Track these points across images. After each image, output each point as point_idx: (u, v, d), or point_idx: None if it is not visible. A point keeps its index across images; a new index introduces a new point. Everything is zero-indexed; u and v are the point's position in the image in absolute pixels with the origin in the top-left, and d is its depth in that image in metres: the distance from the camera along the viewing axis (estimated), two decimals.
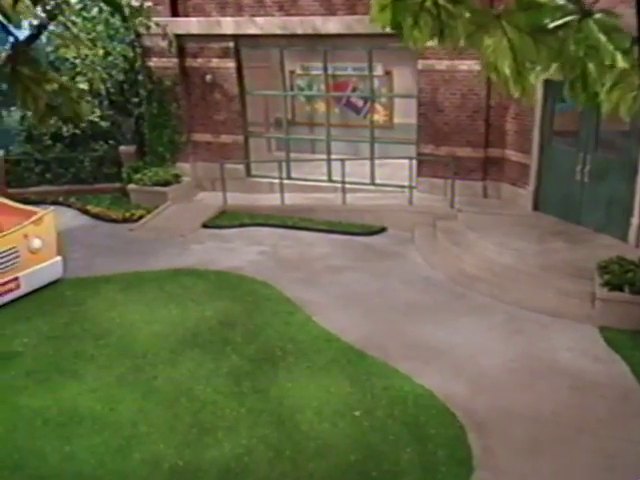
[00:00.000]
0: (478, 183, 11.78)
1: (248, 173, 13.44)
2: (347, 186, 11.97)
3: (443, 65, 11.31)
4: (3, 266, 8.41)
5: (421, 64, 11.50)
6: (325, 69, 12.70)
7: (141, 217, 12.01)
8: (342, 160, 11.90)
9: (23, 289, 8.66)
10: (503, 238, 9.73)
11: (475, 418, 6.05)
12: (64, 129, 14.53)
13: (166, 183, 12.88)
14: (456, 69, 11.26)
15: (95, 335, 7.68)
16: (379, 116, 14.41)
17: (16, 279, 8.54)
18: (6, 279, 8.42)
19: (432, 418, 6.03)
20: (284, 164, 12.91)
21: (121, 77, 13.70)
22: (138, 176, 13.05)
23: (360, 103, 14.69)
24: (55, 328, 7.87)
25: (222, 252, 10.38)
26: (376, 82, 13.55)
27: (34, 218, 8.88)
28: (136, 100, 13.76)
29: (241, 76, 12.93)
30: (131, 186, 13.08)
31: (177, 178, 13.14)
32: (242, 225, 11.54)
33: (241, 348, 7.26)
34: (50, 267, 9.04)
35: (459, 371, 6.83)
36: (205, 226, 11.58)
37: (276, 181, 12.50)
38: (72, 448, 5.67)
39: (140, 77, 13.34)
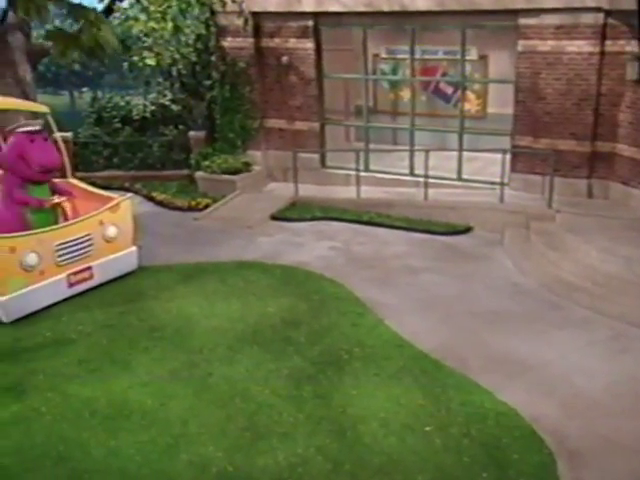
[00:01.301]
0: (582, 181, 11.12)
1: (323, 163, 13.37)
2: (430, 181, 11.67)
3: (547, 46, 10.75)
4: (76, 254, 8.46)
5: (522, 45, 10.99)
6: (412, 52, 12.41)
7: (207, 206, 12.19)
8: (426, 151, 11.55)
9: (96, 279, 8.73)
10: (609, 243, 9.11)
11: (567, 445, 5.63)
12: (134, 112, 15.02)
13: (235, 171, 13.01)
14: (562, 50, 10.67)
15: (151, 326, 7.77)
16: (470, 105, 13.94)
17: (89, 268, 8.62)
18: (79, 268, 8.50)
19: (515, 441, 5.66)
20: (362, 155, 12.75)
21: (194, 58, 13.93)
22: (207, 163, 13.24)
23: (449, 90, 14.28)
24: (111, 317, 8.03)
25: (290, 246, 10.36)
26: (469, 68, 13.11)
27: (110, 204, 8.91)
28: (208, 83, 13.96)
29: (320, 58, 12.87)
30: (199, 173, 13.29)
31: (247, 166, 13.25)
32: (313, 218, 11.53)
33: (304, 349, 7.16)
34: (125, 257, 9.07)
35: (550, 390, 6.40)
36: (274, 218, 11.63)
37: (352, 173, 12.37)
38: (118, 443, 5.71)
39: (213, 58, 13.50)
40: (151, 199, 12.88)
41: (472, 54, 13.18)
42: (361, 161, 12.57)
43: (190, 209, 12.14)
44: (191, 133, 14.35)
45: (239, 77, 13.31)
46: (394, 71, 14.43)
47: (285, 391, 6.39)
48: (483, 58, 13.52)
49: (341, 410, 6.10)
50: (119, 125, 15.01)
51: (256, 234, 10.93)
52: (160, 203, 12.67)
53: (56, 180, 9.07)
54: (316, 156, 13.20)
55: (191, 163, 13.82)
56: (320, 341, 7.32)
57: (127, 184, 13.77)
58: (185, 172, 14.09)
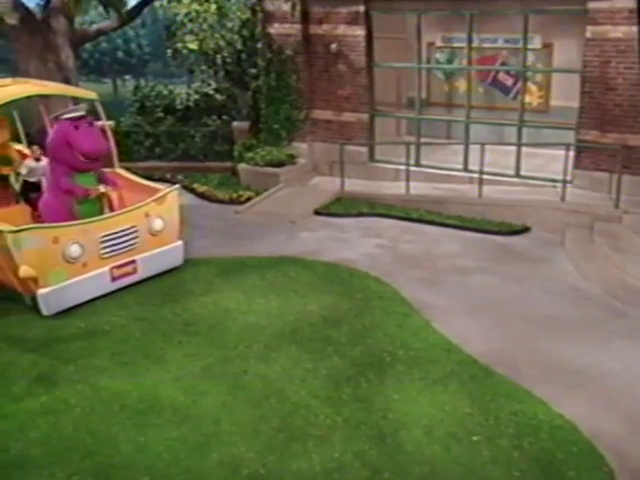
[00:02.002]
0: None
1: (371, 157, 13.26)
2: (485, 177, 11.46)
3: (619, 32, 10.37)
4: (121, 246, 8.46)
5: (590, 31, 10.62)
6: (470, 40, 12.18)
7: (249, 199, 12.25)
8: (482, 145, 11.30)
9: (140, 274, 8.69)
10: None
11: (630, 464, 5.38)
12: (177, 101, 15.21)
13: (279, 164, 13.04)
14: (636, 36, 10.26)
15: (185, 320, 7.81)
16: (532, 97, 13.60)
17: (133, 262, 8.59)
18: (123, 261, 8.49)
19: (572, 457, 5.43)
20: (413, 149, 12.60)
21: (239, 45, 14.01)
22: (250, 155, 13.30)
23: (509, 81, 13.95)
24: (145, 310, 8.10)
25: (334, 242, 10.32)
26: (531, 57, 12.79)
27: (157, 196, 8.87)
28: (253, 71, 14.01)
29: (370, 46, 12.76)
30: (242, 165, 13.35)
31: (292, 159, 13.26)
32: (359, 214, 11.47)
33: (345, 349, 7.09)
34: (170, 252, 9.03)
35: (612, 403, 6.14)
36: (318, 213, 11.62)
37: (402, 167, 12.21)
38: (147, 439, 5.73)
39: (259, 45, 13.53)
40: (192, 191, 12.99)
41: (535, 42, 12.85)
42: (412, 155, 12.40)
43: (231, 202, 12.24)
44: (234, 124, 14.43)
45: (285, 65, 13.31)
46: (449, 61, 14.20)
47: (323, 392, 6.32)
48: (547, 47, 13.16)
49: (382, 415, 6.00)
50: (162, 114, 15.24)
51: (298, 229, 10.92)
52: (201, 195, 12.77)
53: (103, 170, 9.12)
54: (364, 149, 13.10)
55: (234, 155, 13.89)
56: (362, 342, 7.24)
57: (168, 175, 13.95)
58: (228, 164, 14.19)
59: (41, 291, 7.89)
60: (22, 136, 10.83)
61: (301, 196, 12.32)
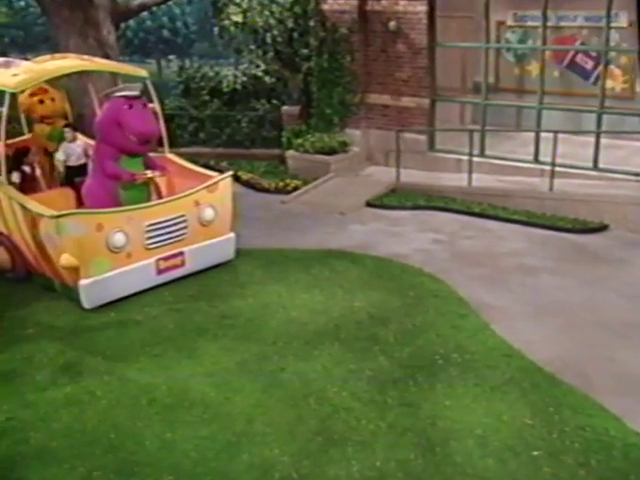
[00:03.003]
0: None
1: (431, 146, 13.12)
2: (558, 169, 11.19)
3: None
4: (168, 236, 8.34)
5: None
6: (545, 18, 11.87)
7: (296, 188, 12.25)
8: (555, 132, 10.99)
9: (187, 267, 8.57)
10: None
11: None
12: (224, 84, 15.31)
13: (330, 151, 13.01)
14: None
15: (222, 313, 7.83)
16: (615, 82, 13.16)
17: (181, 254, 8.49)
18: (170, 253, 8.38)
19: None
20: (477, 138, 12.40)
21: (290, 23, 14.01)
22: (299, 141, 13.30)
23: (589, 64, 13.51)
24: (180, 300, 8.16)
25: (386, 236, 10.26)
26: (615, 37, 12.37)
27: (208, 183, 8.73)
28: (305, 52, 13.98)
29: (433, 24, 12.61)
30: (290, 152, 13.37)
31: (344, 146, 13.21)
32: (415, 207, 11.40)
33: (392, 350, 7.00)
34: (221, 245, 8.91)
35: None
36: (370, 205, 11.57)
37: (465, 158, 12.03)
38: (174, 436, 5.72)
39: (311, 23, 13.50)
40: (236, 179, 12.99)
41: (620, 20, 12.39)
42: (476, 144, 12.19)
43: (277, 191, 12.28)
44: (284, 108, 14.46)
45: (339, 45, 13.26)
46: (522, 41, 13.87)
47: (366, 395, 6.23)
48: (633, 25, 12.68)
49: (430, 422, 5.86)
50: (207, 97, 15.39)
51: (348, 221, 10.89)
52: (246, 183, 12.84)
53: (151, 154, 9.05)
54: (423, 137, 12.97)
55: (282, 141, 13.91)
56: (412, 342, 7.14)
57: (212, 162, 14.04)
58: (275, 151, 14.25)
59: (83, 282, 7.82)
60: (69, 116, 10.73)
61: (352, 186, 12.27)
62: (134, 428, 5.84)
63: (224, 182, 8.93)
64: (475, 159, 11.94)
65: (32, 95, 9.97)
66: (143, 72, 9.67)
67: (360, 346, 7.07)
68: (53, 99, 10.11)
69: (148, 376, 6.59)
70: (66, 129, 9.75)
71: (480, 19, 12.65)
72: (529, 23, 13.44)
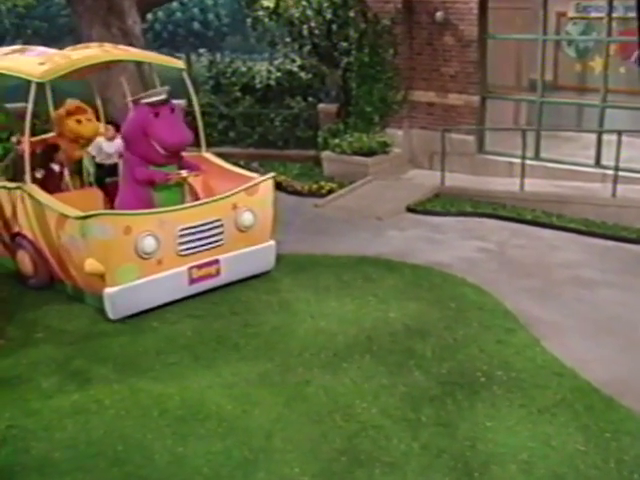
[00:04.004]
0: None
1: (480, 148, 13.02)
2: (622, 174, 11.00)
3: None
4: (202, 242, 8.20)
5: None
6: (611, 8, 11.65)
7: (331, 191, 12.24)
8: (619, 134, 10.78)
9: (223, 277, 8.43)
10: None
11: None
12: (256, 80, 15.37)
13: (369, 152, 12.97)
14: None
15: (245, 320, 7.81)
16: None
17: (216, 262, 8.33)
18: (204, 260, 8.23)
19: None
20: (532, 139, 12.26)
21: (329, 14, 14.01)
22: (336, 141, 13.30)
23: None
24: (200, 306, 8.15)
25: (427, 243, 10.22)
26: None
27: (248, 185, 8.60)
28: (345, 45, 13.96)
29: (484, 15, 12.49)
30: (326, 153, 13.37)
31: (384, 147, 13.16)
32: (461, 213, 11.36)
33: (429, 365, 6.89)
34: (260, 253, 8.77)
35: None
36: (411, 210, 11.54)
37: (517, 161, 11.91)
38: (186, 450, 5.66)
39: (352, 14, 13.48)
40: None
41: None
42: (530, 147, 12.05)
43: (311, 194, 12.29)
44: (320, 106, 14.46)
45: (381, 38, 13.23)
46: (584, 35, 13.64)
47: (398, 412, 6.12)
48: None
49: (469, 444, 5.71)
50: (239, 94, 15.46)
51: (386, 227, 10.86)
52: (277, 185, 12.67)
53: (185, 154, 8.91)
54: (472, 138, 12.86)
55: (318, 141, 13.90)
56: (451, 357, 7.03)
57: (242, 162, 14.06)
58: (310, 152, 14.24)
59: (108, 290, 7.68)
60: (100, 113, 10.82)
61: (392, 190, 12.22)
62: (143, 440, 5.79)
63: (265, 184, 8.80)
64: (529, 162, 11.81)
65: (69, 114, 9.91)
66: (180, 63, 9.62)
67: (394, 360, 6.98)
68: (90, 120, 10.04)
69: (161, 386, 6.56)
70: (108, 126, 9.81)
71: (538, 10, 12.46)
72: (593, 14, 13.22)
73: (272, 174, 9.09)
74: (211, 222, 8.25)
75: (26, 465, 5.51)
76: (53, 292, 8.54)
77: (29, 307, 8.24)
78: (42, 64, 8.38)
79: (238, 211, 8.47)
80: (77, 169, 9.97)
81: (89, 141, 9.95)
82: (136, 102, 8.54)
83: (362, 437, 5.79)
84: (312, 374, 6.72)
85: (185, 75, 9.38)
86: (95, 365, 6.94)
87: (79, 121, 9.90)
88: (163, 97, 8.29)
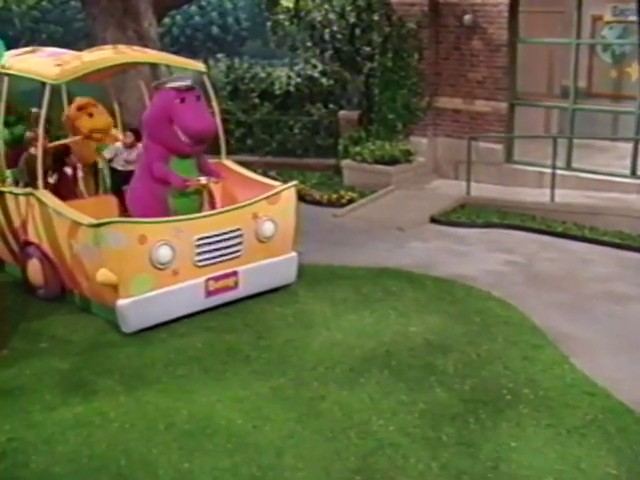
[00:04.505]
0: None
1: (508, 157, 12.98)
2: None
3: None
4: (220, 253, 8.09)
5: None
6: None
7: (351, 201, 12.25)
8: None
9: (241, 289, 8.34)
10: None
11: None
12: (276, 86, 15.41)
13: (392, 161, 12.95)
14: None
15: (258, 333, 7.78)
16: None
17: (234, 274, 8.24)
18: (222, 272, 8.13)
19: None
20: (563, 148, 12.18)
21: (352, 18, 14.02)
22: (357, 149, 13.29)
23: None
24: (211, 317, 8.12)
25: (450, 255, 10.23)
26: None
27: (269, 193, 8.52)
28: (368, 50, 13.96)
29: (515, 18, 12.47)
30: (346, 162, 13.38)
31: (408, 156, 13.14)
32: (487, 225, 11.36)
33: (451, 381, 6.82)
34: (281, 265, 8.67)
35: None
36: (434, 221, 11.55)
37: (548, 171, 11.85)
38: (192, 466, 5.60)
39: (376, 17, 13.48)
40: None
41: None
42: (561, 156, 11.97)
43: (330, 204, 12.31)
44: (341, 113, 14.48)
45: (406, 42, 13.24)
46: (621, 39, 13.50)
47: (417, 430, 6.04)
48: None
49: (492, 465, 5.61)
50: (257, 100, 15.53)
51: (407, 238, 10.87)
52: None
53: (206, 159, 8.83)
54: (499, 146, 12.82)
55: (338, 150, 13.90)
56: (475, 374, 6.96)
57: (259, 171, 14.08)
58: (331, 161, 14.26)
59: (121, 302, 7.59)
60: (117, 117, 10.81)
61: (415, 200, 12.21)
62: (148, 455, 5.76)
63: (287, 193, 8.71)
64: (560, 172, 11.73)
65: (80, 109, 9.98)
66: (201, 66, 9.58)
67: (414, 375, 6.92)
68: (102, 113, 10.11)
69: (169, 399, 6.53)
70: (128, 132, 9.78)
71: (572, 14, 12.37)
72: (631, 18, 13.09)
73: (295, 182, 9.03)
74: (230, 232, 8.14)
75: (25, 479, 5.47)
76: (59, 302, 8.54)
77: (34, 316, 8.26)
78: (57, 65, 8.36)
79: (259, 221, 8.37)
80: (92, 171, 10.00)
81: (103, 137, 9.97)
82: (159, 87, 8.42)
83: (378, 456, 5.72)
84: (327, 389, 6.67)
85: (206, 78, 9.32)
86: (101, 377, 6.93)
87: (91, 114, 9.96)
88: (189, 83, 8.21)
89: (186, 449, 5.81)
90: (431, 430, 6.05)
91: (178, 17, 22.83)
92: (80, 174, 9.66)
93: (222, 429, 6.07)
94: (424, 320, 8.05)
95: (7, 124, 9.55)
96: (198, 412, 6.31)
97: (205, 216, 8.17)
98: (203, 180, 8.43)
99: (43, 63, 8.68)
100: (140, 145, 9.47)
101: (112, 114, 10.60)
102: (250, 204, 8.34)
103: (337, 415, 6.26)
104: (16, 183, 9.15)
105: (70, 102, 10.51)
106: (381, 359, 7.22)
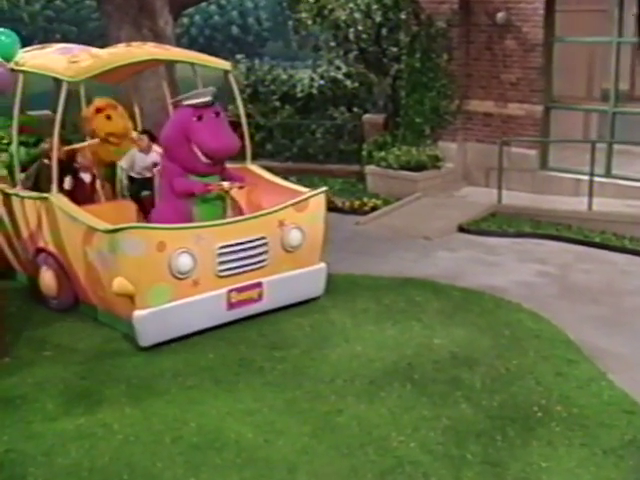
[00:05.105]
0: None
1: (543, 163, 12.91)
2: None
3: None
4: (244, 263, 8.00)
5: None
6: None
7: (374, 208, 12.27)
8: None
9: (265, 302, 8.24)
10: None
11: None
12: (297, 88, 15.46)
13: (418, 167, 12.94)
14: None
15: (273, 343, 7.77)
16: None
17: (258, 285, 8.16)
18: (246, 283, 8.06)
19: None
20: (602, 154, 12.09)
21: (379, 17, 14.03)
22: (381, 154, 13.27)
23: None
24: (223, 326, 8.08)
25: (479, 265, 10.23)
26: None
27: (297, 199, 8.45)
28: (394, 50, 13.96)
29: (551, 16, 12.39)
30: (370, 167, 13.40)
31: (435, 162, 13.13)
32: (519, 234, 11.38)
33: (478, 397, 6.74)
34: (309, 277, 8.59)
35: None
36: (463, 230, 11.54)
37: (585, 178, 11.76)
38: None
39: (403, 16, 13.48)
40: None
41: None
42: (601, 163, 11.90)
43: (352, 211, 12.35)
44: (366, 116, 14.49)
45: (435, 41, 13.23)
46: None
47: (440, 447, 5.96)
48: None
49: None
50: (277, 103, 15.58)
51: (434, 247, 10.89)
52: None
53: (228, 165, 8.76)
54: (534, 152, 12.76)
55: (362, 155, 13.90)
56: (503, 389, 6.87)
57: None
58: (354, 167, 14.26)
59: (138, 313, 7.48)
60: (138, 121, 10.75)
61: (443, 208, 12.21)
62: (152, 469, 5.71)
63: (316, 199, 8.62)
64: (598, 179, 11.64)
65: (98, 111, 9.94)
66: (226, 64, 9.44)
67: (438, 390, 6.85)
68: (122, 116, 10.08)
69: (176, 410, 6.51)
70: (142, 136, 9.70)
71: (613, 12, 12.28)
72: None
73: (324, 188, 8.95)
74: (254, 240, 8.02)
75: None
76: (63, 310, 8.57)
77: (39, 324, 8.29)
78: (74, 62, 8.31)
79: (285, 228, 8.26)
80: (109, 174, 9.93)
81: (121, 140, 9.95)
82: (177, 104, 8.46)
83: (397, 474, 5.64)
84: (345, 402, 6.62)
85: (231, 78, 9.27)
86: (106, 387, 6.92)
87: (109, 117, 9.90)
88: (207, 99, 8.15)
89: (192, 463, 5.77)
90: (455, 448, 5.96)
91: (197, 17, 22.97)
92: (98, 182, 9.62)
93: (232, 443, 6.02)
94: (450, 332, 7.99)
95: (26, 144, 9.60)
96: (207, 425, 6.28)
97: (228, 223, 8.06)
98: (226, 185, 8.35)
99: (59, 60, 8.57)
100: (155, 147, 9.52)
101: (132, 117, 10.58)
102: (276, 211, 8.24)
103: (354, 430, 6.20)
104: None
105: (89, 103, 10.47)
106: (403, 372, 7.16)
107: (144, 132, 9.82)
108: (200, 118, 8.02)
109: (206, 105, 8.10)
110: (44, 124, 10.34)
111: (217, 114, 8.19)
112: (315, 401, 6.65)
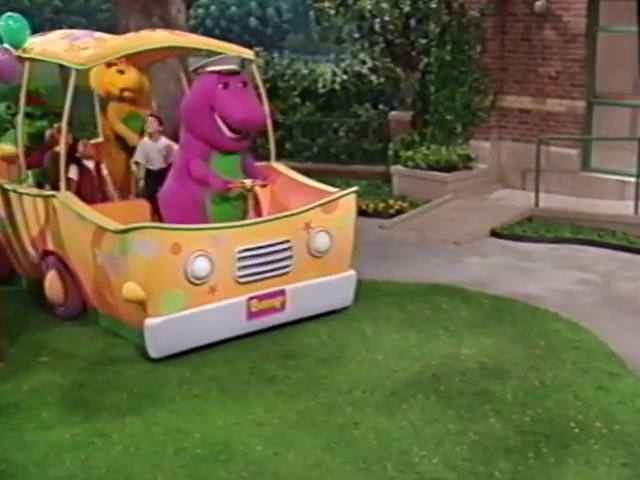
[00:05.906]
0: None
1: (585, 164, 12.91)
2: None
3: None
4: (266, 268, 7.90)
5: None
6: None
7: (400, 211, 12.30)
8: None
9: (289, 312, 8.13)
10: None
11: None
12: (319, 84, 15.50)
13: (449, 167, 12.96)
14: None
15: (286, 351, 7.76)
16: None
17: (281, 293, 8.05)
18: (268, 291, 7.96)
19: None
20: None
21: (407, 7, 14.05)
22: (409, 154, 13.28)
23: None
24: None
25: (513, 272, 10.23)
26: None
27: (324, 200, 8.35)
28: (423, 43, 13.97)
29: (595, 4, 12.38)
30: (396, 167, 13.43)
31: (467, 162, 13.14)
32: (557, 240, 11.36)
33: (509, 411, 6.68)
34: (337, 285, 8.51)
35: None
36: (496, 234, 11.55)
37: (632, 180, 11.77)
38: None
39: (433, 5, 13.48)
40: None
41: None
42: None
43: (377, 214, 12.37)
44: (392, 114, 14.52)
45: (467, 32, 13.27)
46: None
47: (466, 464, 5.89)
48: None
49: None
50: (297, 100, 15.63)
51: (464, 252, 10.92)
52: None
53: (252, 159, 8.74)
54: (575, 151, 12.76)
55: (388, 155, 13.90)
56: (537, 403, 6.81)
57: None
58: (379, 168, 14.30)
59: (150, 321, 7.40)
60: (153, 105, 10.65)
61: (475, 212, 12.23)
62: None
63: (346, 200, 8.53)
64: None
65: (110, 66, 9.65)
66: (249, 52, 9.26)
67: (465, 403, 6.80)
68: (135, 71, 9.83)
69: (180, 420, 6.50)
70: (150, 118, 9.53)
71: None
72: None
73: (355, 188, 8.87)
74: (278, 244, 7.91)
75: None
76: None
77: (37, 328, 8.33)
78: (85, 49, 8.29)
79: (311, 232, 8.14)
80: (121, 146, 9.85)
81: (137, 97, 9.84)
82: (199, 71, 8.30)
83: None
84: (363, 414, 6.59)
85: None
86: (106, 394, 6.94)
87: (122, 72, 9.69)
88: (233, 67, 8.06)
89: (195, 476, 5.75)
90: (482, 464, 5.90)
91: (212, 7, 23.07)
92: (105, 171, 9.56)
93: (239, 455, 6.00)
94: (479, 342, 7.97)
95: (31, 116, 9.58)
96: (213, 436, 6.26)
97: (249, 224, 7.96)
98: (248, 183, 8.24)
99: (68, 47, 8.53)
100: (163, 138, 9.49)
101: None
102: (302, 212, 8.13)
103: (372, 444, 6.16)
104: (39, 186, 9.03)
105: (102, 107, 10.43)
106: (427, 384, 7.13)
107: (152, 116, 9.75)
108: (226, 86, 7.95)
109: (233, 73, 8.03)
110: (56, 92, 10.36)
111: (244, 84, 8.11)
112: (330, 412, 6.62)
